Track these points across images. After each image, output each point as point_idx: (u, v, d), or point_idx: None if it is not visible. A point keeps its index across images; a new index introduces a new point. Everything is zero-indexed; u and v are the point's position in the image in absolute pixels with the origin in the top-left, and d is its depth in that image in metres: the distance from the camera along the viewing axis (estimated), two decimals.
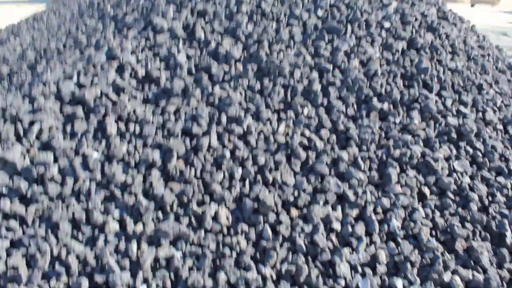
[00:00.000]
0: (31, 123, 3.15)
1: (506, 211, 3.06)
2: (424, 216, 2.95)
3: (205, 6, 4.17)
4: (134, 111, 3.33)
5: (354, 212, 2.93)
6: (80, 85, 3.46)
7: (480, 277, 2.73)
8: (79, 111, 3.25)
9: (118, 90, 3.48)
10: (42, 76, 3.60)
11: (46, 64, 4.12)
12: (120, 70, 3.62)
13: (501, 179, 3.28)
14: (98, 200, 2.88)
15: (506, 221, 2.97)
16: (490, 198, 3.16)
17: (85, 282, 2.54)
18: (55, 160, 3.04)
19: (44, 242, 2.68)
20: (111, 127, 3.20)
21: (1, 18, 12.64)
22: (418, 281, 2.69)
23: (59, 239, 2.72)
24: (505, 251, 2.88)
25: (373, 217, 2.89)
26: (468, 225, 2.96)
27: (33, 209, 2.83)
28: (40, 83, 3.48)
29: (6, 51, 5.26)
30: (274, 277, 2.66)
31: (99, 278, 2.57)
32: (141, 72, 3.60)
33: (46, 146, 3.11)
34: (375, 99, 3.58)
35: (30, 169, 2.95)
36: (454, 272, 2.75)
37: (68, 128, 3.19)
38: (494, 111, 3.84)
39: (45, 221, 2.81)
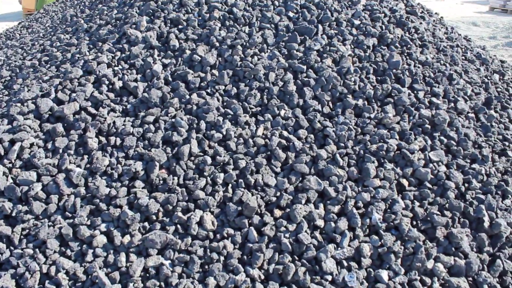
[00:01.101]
0: (12, 142, 3.16)
1: (482, 197, 3.16)
2: (404, 207, 3.03)
3: (178, 15, 4.21)
4: (114, 124, 3.36)
5: (336, 208, 3.00)
6: (58, 101, 3.47)
7: (462, 262, 2.82)
8: (59, 127, 3.27)
9: (96, 103, 3.50)
10: (19, 94, 3.60)
11: (22, 82, 4.12)
12: (97, 83, 3.64)
13: (475, 165, 3.38)
14: (84, 214, 2.91)
15: (482, 206, 3.06)
16: (466, 185, 3.25)
17: None
18: (38, 177, 3.06)
19: (32, 261, 2.70)
20: (92, 141, 3.23)
21: None
22: (403, 270, 2.77)
23: (48, 257, 2.74)
24: (483, 235, 2.98)
25: (355, 211, 2.96)
26: (447, 212, 3.04)
27: (19, 229, 2.85)
28: (18, 102, 3.48)
29: None
30: (262, 277, 2.71)
31: None
32: (118, 84, 3.63)
33: (28, 165, 3.13)
34: (349, 96, 3.66)
35: (13, 189, 2.97)
36: (437, 259, 2.84)
37: (49, 145, 3.21)
38: (466, 100, 3.94)
39: (32, 240, 2.82)
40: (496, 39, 12.81)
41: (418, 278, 2.75)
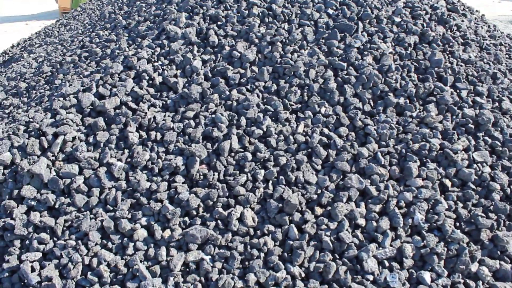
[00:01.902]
0: (55, 136, 3.21)
1: None
2: (447, 207, 2.96)
3: (217, 11, 4.22)
4: (154, 119, 3.39)
5: (378, 207, 2.95)
6: (99, 96, 3.52)
7: (508, 266, 2.75)
8: (101, 121, 3.31)
9: (137, 98, 3.53)
10: (61, 88, 3.66)
11: (63, 77, 4.19)
12: (138, 79, 3.67)
13: None
14: (125, 208, 2.93)
15: None
16: None
17: None
18: (80, 171, 3.10)
19: (75, 253, 2.74)
20: (133, 136, 3.26)
21: (11, 36, 12.78)
22: (446, 273, 2.71)
23: (89, 248, 2.78)
24: None
25: (397, 211, 2.91)
26: (491, 215, 2.96)
27: (62, 221, 2.89)
28: (60, 96, 3.54)
29: (22, 67, 5.34)
30: (303, 275, 2.69)
31: (131, 285, 2.62)
32: (158, 80, 3.66)
33: (70, 158, 3.17)
34: (391, 94, 3.60)
35: (56, 181, 3.02)
36: (481, 262, 2.77)
37: (91, 139, 3.25)
38: (510, 100, 3.83)
39: (74, 231, 2.87)
40: None
41: (462, 281, 2.69)
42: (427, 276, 2.68)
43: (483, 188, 3.11)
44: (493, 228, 2.90)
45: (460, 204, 3.01)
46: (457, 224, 2.92)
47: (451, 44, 4.19)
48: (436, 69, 3.85)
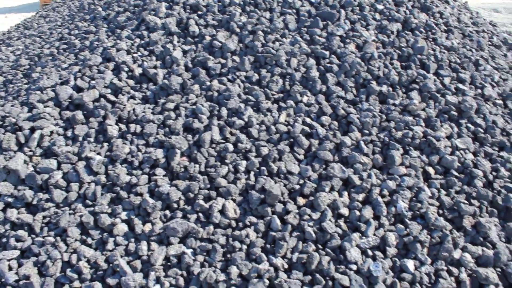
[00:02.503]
0: (32, 130, 3.14)
1: (511, 185, 3.06)
2: (430, 195, 2.95)
3: (197, 0, 4.16)
4: (134, 111, 3.33)
5: (361, 196, 2.93)
6: (77, 89, 3.45)
7: (490, 252, 2.74)
8: (79, 114, 3.24)
9: (116, 91, 3.47)
10: (39, 82, 3.59)
11: (41, 70, 4.11)
12: (117, 70, 3.61)
13: (503, 153, 3.28)
14: (105, 202, 2.88)
15: (511, 195, 2.97)
16: (494, 173, 3.16)
17: (98, 287, 2.55)
18: (59, 165, 3.04)
19: (54, 249, 2.69)
20: (112, 129, 3.20)
21: None
22: (429, 260, 2.70)
23: (69, 245, 2.73)
24: None
25: (380, 199, 2.89)
26: (474, 201, 2.96)
27: (41, 217, 2.84)
28: (37, 90, 3.46)
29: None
30: (286, 266, 2.66)
31: (111, 281, 2.58)
32: (138, 71, 3.59)
33: (48, 152, 3.11)
34: (373, 82, 3.57)
35: (34, 177, 2.95)
36: (464, 249, 2.76)
37: (69, 133, 3.19)
38: (493, 86, 3.83)
39: (53, 228, 2.81)
40: None
41: (445, 268, 2.68)
42: (410, 264, 2.67)
43: (466, 175, 3.11)
44: (476, 215, 2.89)
45: (443, 192, 3.01)
46: (440, 211, 2.91)
47: (434, 31, 4.17)
48: (419, 56, 3.83)
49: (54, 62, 4.12)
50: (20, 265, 2.66)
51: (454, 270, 2.66)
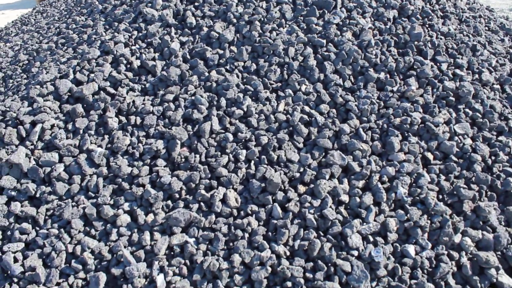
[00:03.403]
0: (33, 124, 3.16)
1: (510, 169, 3.08)
2: (429, 181, 2.97)
3: None
4: (134, 103, 3.34)
5: (361, 183, 2.95)
6: (77, 82, 3.46)
7: (490, 236, 2.76)
8: (79, 108, 3.26)
9: (115, 83, 3.48)
10: (38, 76, 3.59)
11: (40, 65, 4.11)
12: (115, 63, 3.62)
13: (502, 138, 3.29)
14: (107, 194, 2.91)
15: (510, 179, 2.99)
16: (493, 158, 3.18)
17: (102, 277, 2.58)
18: (60, 158, 3.06)
19: (58, 241, 2.72)
20: (112, 121, 3.22)
21: None
22: (429, 245, 2.72)
23: (73, 236, 2.75)
24: None
25: (380, 186, 2.91)
26: (473, 186, 2.98)
27: (44, 209, 2.86)
28: (37, 84, 3.48)
29: None
30: (288, 253, 2.69)
31: (115, 271, 2.61)
32: (136, 63, 3.60)
33: (49, 146, 3.13)
34: (371, 70, 3.58)
35: (36, 170, 2.97)
36: (464, 233, 2.78)
37: (70, 126, 3.20)
38: (490, 72, 3.84)
39: (56, 220, 2.84)
40: None
41: (446, 252, 2.70)
42: (411, 249, 2.69)
43: (465, 160, 3.13)
44: (475, 199, 2.91)
45: (443, 177, 3.02)
46: (440, 196, 2.93)
47: (430, 17, 4.17)
48: (416, 43, 3.83)
49: (53, 57, 4.12)
50: (25, 257, 2.69)
51: (455, 254, 2.69)
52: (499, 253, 2.75)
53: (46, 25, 5.70)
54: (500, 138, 3.30)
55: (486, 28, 4.64)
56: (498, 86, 3.73)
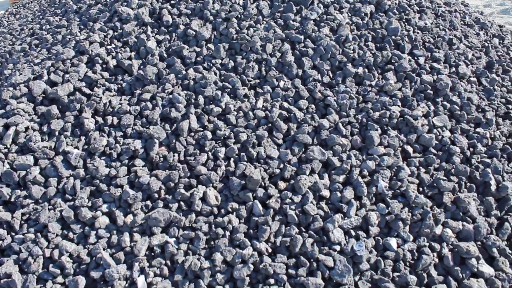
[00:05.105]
0: (6, 127, 3.08)
1: (488, 160, 3.11)
2: (409, 173, 2.98)
3: None
4: (110, 103, 3.29)
5: (341, 178, 2.95)
6: (51, 83, 3.39)
7: (470, 226, 2.78)
8: (54, 109, 3.19)
9: (91, 83, 3.42)
10: (11, 78, 3.51)
11: (13, 67, 4.02)
12: (91, 63, 3.56)
13: (480, 129, 3.32)
14: (85, 196, 2.85)
15: (489, 170, 3.02)
16: (471, 149, 3.20)
17: (81, 280, 2.53)
18: (36, 161, 2.99)
19: (35, 246, 2.65)
20: (89, 122, 3.16)
21: None
22: (411, 237, 2.73)
23: (50, 240, 2.69)
24: (491, 199, 2.94)
25: (360, 180, 2.91)
26: (453, 178, 3.00)
27: (19, 214, 2.79)
28: (10, 86, 3.40)
29: None
30: (270, 250, 2.67)
31: (95, 274, 2.55)
32: (112, 63, 3.55)
33: (24, 149, 3.06)
34: (349, 65, 3.58)
35: (10, 174, 2.90)
36: (445, 224, 2.80)
37: (45, 128, 3.13)
38: (467, 65, 3.87)
39: (33, 224, 2.77)
40: (491, 7, 12.66)
41: (427, 244, 2.72)
42: (393, 242, 2.70)
43: (444, 152, 3.15)
44: (455, 191, 2.93)
45: (422, 169, 3.04)
46: (420, 189, 2.95)
47: (407, 12, 4.20)
48: (393, 37, 3.85)
49: (26, 58, 4.04)
50: (0, 264, 2.61)
51: (436, 246, 2.71)
52: (479, 243, 2.77)
53: (19, 27, 5.59)
54: (477, 129, 3.33)
55: (462, 22, 4.69)
56: (474, 79, 3.76)
